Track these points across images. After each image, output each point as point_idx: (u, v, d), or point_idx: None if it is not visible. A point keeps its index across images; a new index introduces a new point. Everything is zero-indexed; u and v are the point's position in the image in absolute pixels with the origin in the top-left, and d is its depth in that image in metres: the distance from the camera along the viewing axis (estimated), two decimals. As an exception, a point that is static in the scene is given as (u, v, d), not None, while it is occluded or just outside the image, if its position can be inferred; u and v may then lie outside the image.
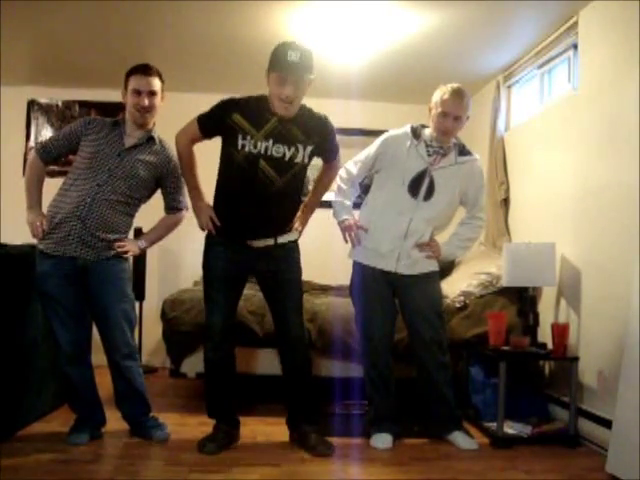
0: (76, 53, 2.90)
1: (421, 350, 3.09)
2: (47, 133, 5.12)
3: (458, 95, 2.97)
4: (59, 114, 5.16)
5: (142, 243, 3.07)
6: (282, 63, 2.67)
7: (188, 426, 3.22)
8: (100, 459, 2.74)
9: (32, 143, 5.12)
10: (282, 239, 2.91)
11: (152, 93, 2.92)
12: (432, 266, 3.10)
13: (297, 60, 2.66)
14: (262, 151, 2.75)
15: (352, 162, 3.18)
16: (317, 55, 4.17)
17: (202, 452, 2.82)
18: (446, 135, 3.01)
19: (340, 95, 4.74)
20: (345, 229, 3.09)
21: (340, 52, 4.17)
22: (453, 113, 2.95)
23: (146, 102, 2.89)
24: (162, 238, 3.14)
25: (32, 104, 5.17)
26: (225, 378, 2.96)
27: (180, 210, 3.10)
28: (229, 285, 2.92)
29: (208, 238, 2.95)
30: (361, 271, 3.11)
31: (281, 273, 2.92)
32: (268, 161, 2.76)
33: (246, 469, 2.65)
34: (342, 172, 3.15)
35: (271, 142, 2.76)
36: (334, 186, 3.17)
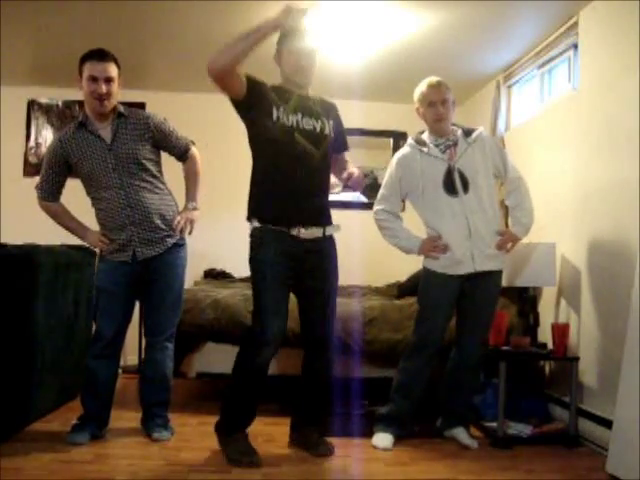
0: (76, 53, 2.90)
1: (477, 342, 3.11)
2: (47, 133, 5.12)
3: (434, 84, 3.05)
4: (59, 114, 5.15)
5: (192, 204, 3.07)
6: (296, 36, 2.71)
7: (188, 426, 3.22)
8: (100, 459, 2.74)
9: (32, 143, 5.13)
10: (329, 230, 2.86)
11: (109, 79, 2.83)
12: (502, 264, 3.11)
13: (307, 32, 2.73)
14: (294, 124, 2.73)
15: (380, 201, 3.15)
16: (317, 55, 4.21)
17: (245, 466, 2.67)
18: (442, 121, 3.05)
19: (340, 95, 4.71)
20: (426, 252, 3.07)
21: (340, 52, 4.17)
22: (439, 99, 3.02)
23: (103, 89, 2.81)
24: (199, 183, 3.10)
25: (32, 104, 5.15)
26: (257, 390, 2.79)
27: (189, 149, 3.09)
28: (280, 283, 2.72)
29: (257, 232, 2.74)
30: (431, 278, 3.09)
31: (327, 274, 2.85)
32: (302, 134, 2.74)
33: (246, 469, 2.65)
34: (377, 215, 3.13)
35: (300, 115, 2.75)
36: (382, 233, 3.13)
